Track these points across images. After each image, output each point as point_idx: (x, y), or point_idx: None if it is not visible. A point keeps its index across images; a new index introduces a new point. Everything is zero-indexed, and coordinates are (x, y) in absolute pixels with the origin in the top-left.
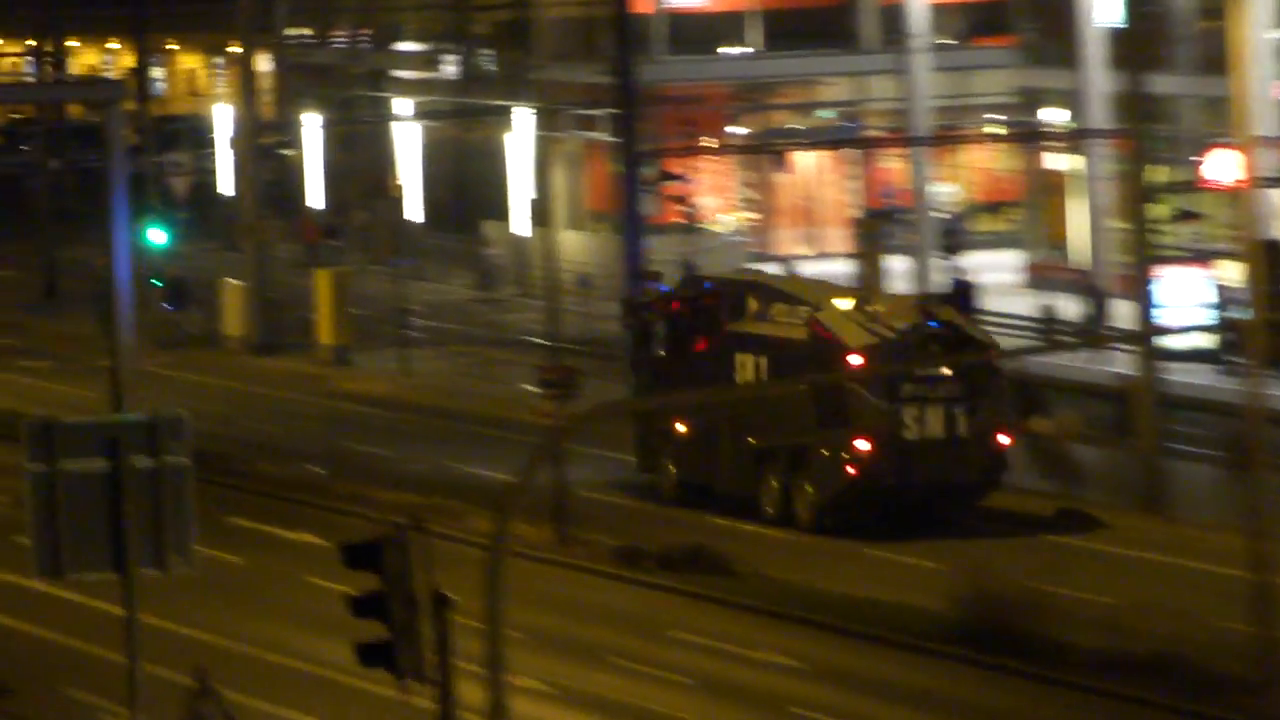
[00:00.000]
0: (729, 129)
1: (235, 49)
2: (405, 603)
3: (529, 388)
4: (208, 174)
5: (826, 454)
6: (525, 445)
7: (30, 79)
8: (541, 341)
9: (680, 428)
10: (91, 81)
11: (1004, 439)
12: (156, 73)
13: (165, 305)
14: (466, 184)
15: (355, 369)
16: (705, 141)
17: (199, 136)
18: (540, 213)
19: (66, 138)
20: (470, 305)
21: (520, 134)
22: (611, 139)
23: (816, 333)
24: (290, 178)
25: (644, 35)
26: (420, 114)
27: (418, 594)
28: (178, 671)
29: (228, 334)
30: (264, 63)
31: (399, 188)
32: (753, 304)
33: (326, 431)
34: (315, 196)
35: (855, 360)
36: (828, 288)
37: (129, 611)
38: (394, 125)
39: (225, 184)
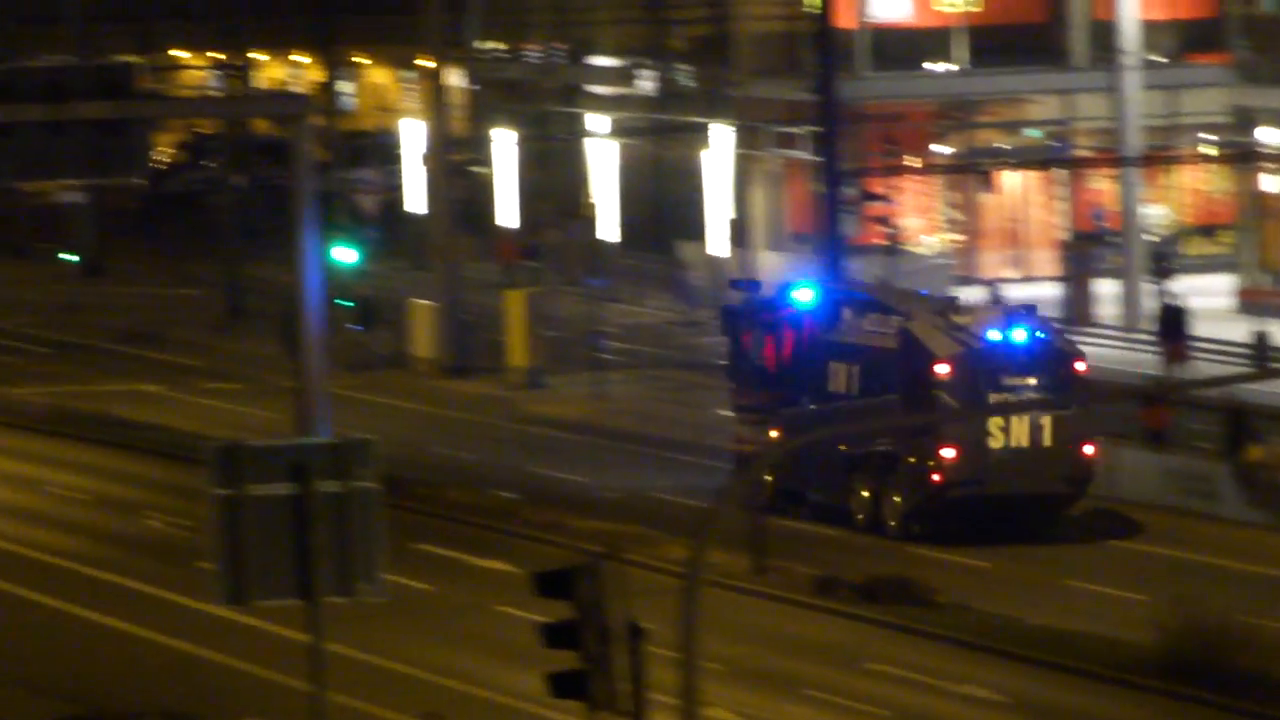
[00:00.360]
0: (933, 148)
1: (426, 63)
2: (598, 632)
3: (725, 413)
4: (397, 191)
5: (913, 462)
6: (721, 472)
7: (216, 93)
8: None
9: (774, 435)
10: (278, 96)
11: (1090, 449)
12: (345, 87)
13: (353, 326)
14: (662, 203)
15: (547, 392)
16: (908, 160)
17: (388, 152)
18: (738, 233)
19: (252, 153)
20: (666, 327)
21: (718, 152)
22: (812, 157)
23: (905, 342)
24: (481, 195)
25: (846, 51)
26: (615, 131)
27: (611, 623)
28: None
29: (417, 356)
30: (455, 77)
31: (593, 206)
32: (847, 313)
33: (517, 456)
34: (507, 215)
35: (942, 369)
36: (920, 298)
37: (315, 639)
38: (588, 142)
39: (415, 201)
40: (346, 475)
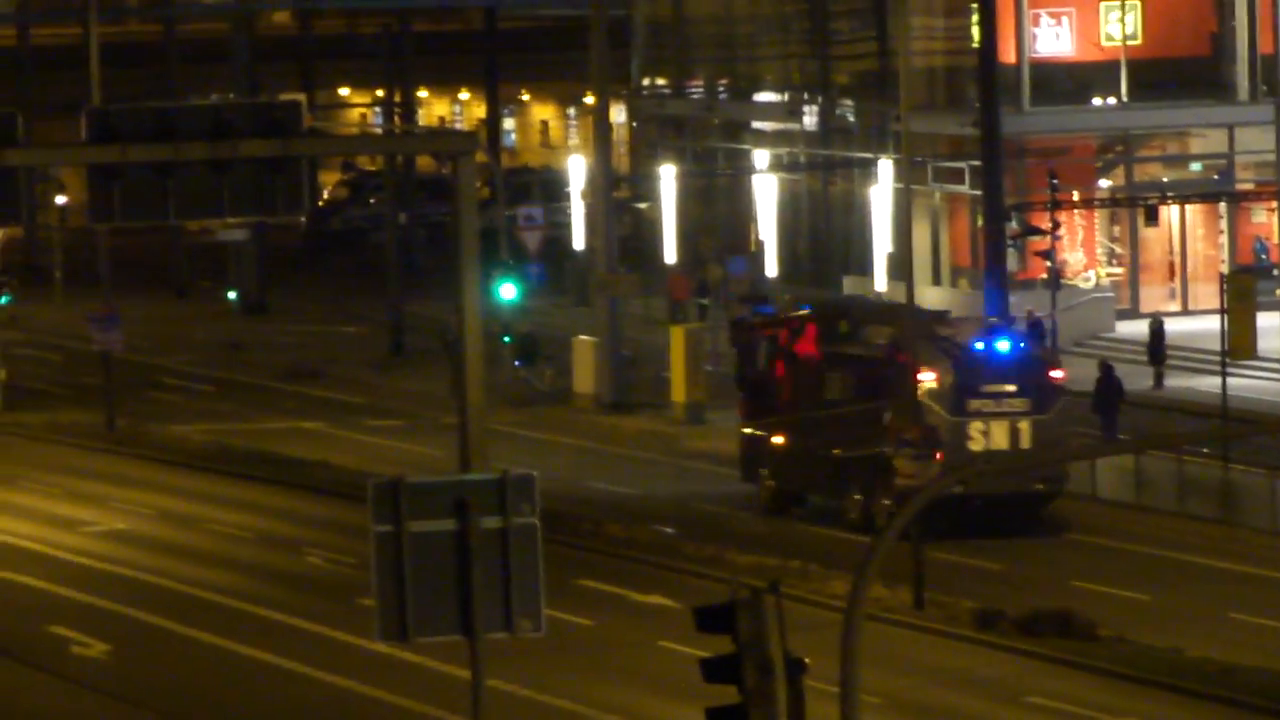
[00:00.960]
0: (1095, 182)
1: (589, 99)
2: (759, 667)
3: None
4: (560, 227)
5: (900, 464)
6: (884, 505)
7: (379, 130)
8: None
9: (777, 440)
10: (442, 133)
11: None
12: (508, 124)
13: (515, 362)
14: (825, 238)
15: (709, 428)
16: (1070, 195)
17: (551, 189)
18: (900, 267)
19: (415, 190)
20: None
21: (881, 186)
22: (975, 192)
23: (893, 352)
24: (644, 231)
25: (1009, 85)
26: (778, 166)
27: (772, 658)
28: None
29: (579, 391)
30: (619, 113)
31: (757, 242)
32: (844, 326)
33: (678, 491)
34: (670, 251)
35: (926, 377)
36: (909, 311)
37: (476, 675)
38: (751, 177)
39: (577, 237)
40: (508, 511)
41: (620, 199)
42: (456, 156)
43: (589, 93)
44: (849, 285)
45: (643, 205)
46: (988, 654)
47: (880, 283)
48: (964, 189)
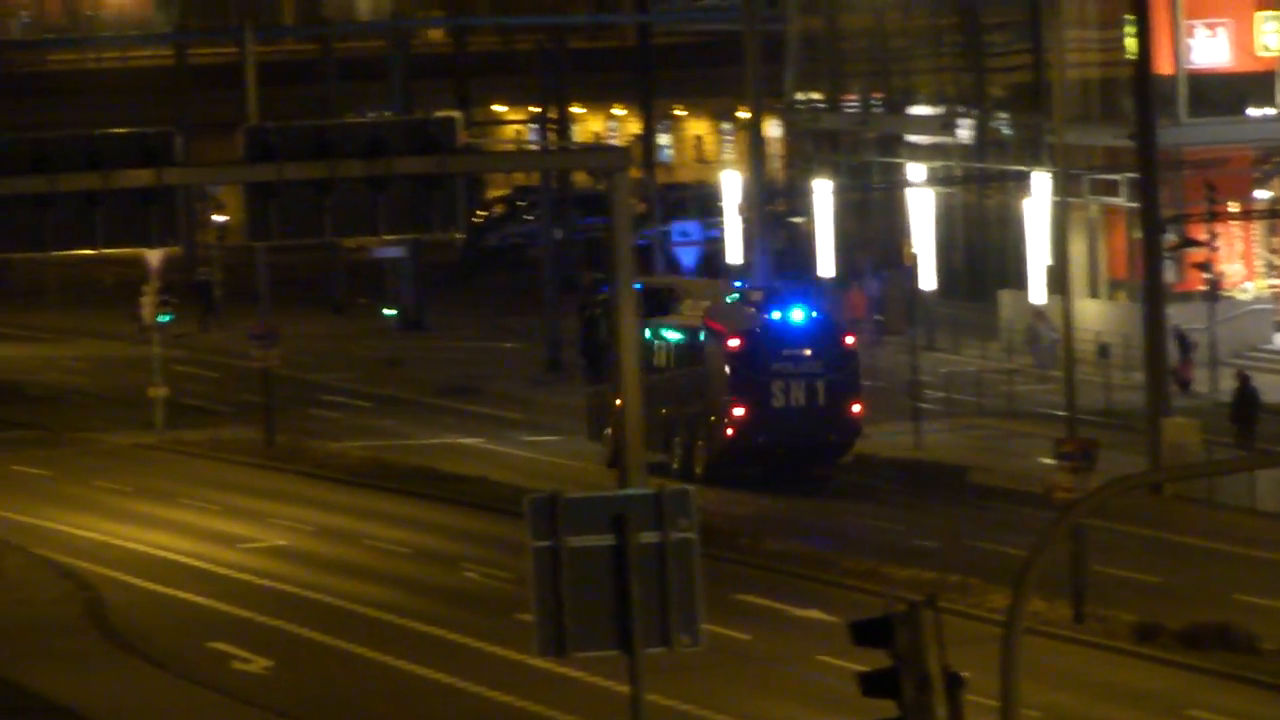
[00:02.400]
0: (1254, 193)
1: (744, 114)
2: (917, 681)
3: (1045, 460)
4: (715, 242)
5: (713, 419)
6: (1042, 519)
7: (535, 146)
8: (1058, 413)
9: (616, 402)
10: (597, 149)
11: (857, 408)
12: (663, 139)
13: None
14: (981, 251)
15: (867, 440)
16: (1228, 206)
17: (706, 204)
18: (1057, 280)
19: (570, 207)
20: (985, 376)
21: (1037, 199)
22: (1131, 204)
23: (706, 322)
24: (800, 246)
25: (1165, 97)
26: (933, 179)
27: (930, 672)
28: None
29: None
30: (773, 128)
31: (912, 255)
32: (668, 301)
33: (833, 505)
34: (826, 265)
35: (733, 343)
36: (723, 287)
37: (635, 690)
38: (906, 191)
39: (733, 252)
40: (666, 526)
41: (775, 214)
42: (611, 172)
43: (743, 108)
44: (1005, 299)
45: (798, 220)
46: (1148, 668)
47: (1037, 295)
48: (1120, 201)
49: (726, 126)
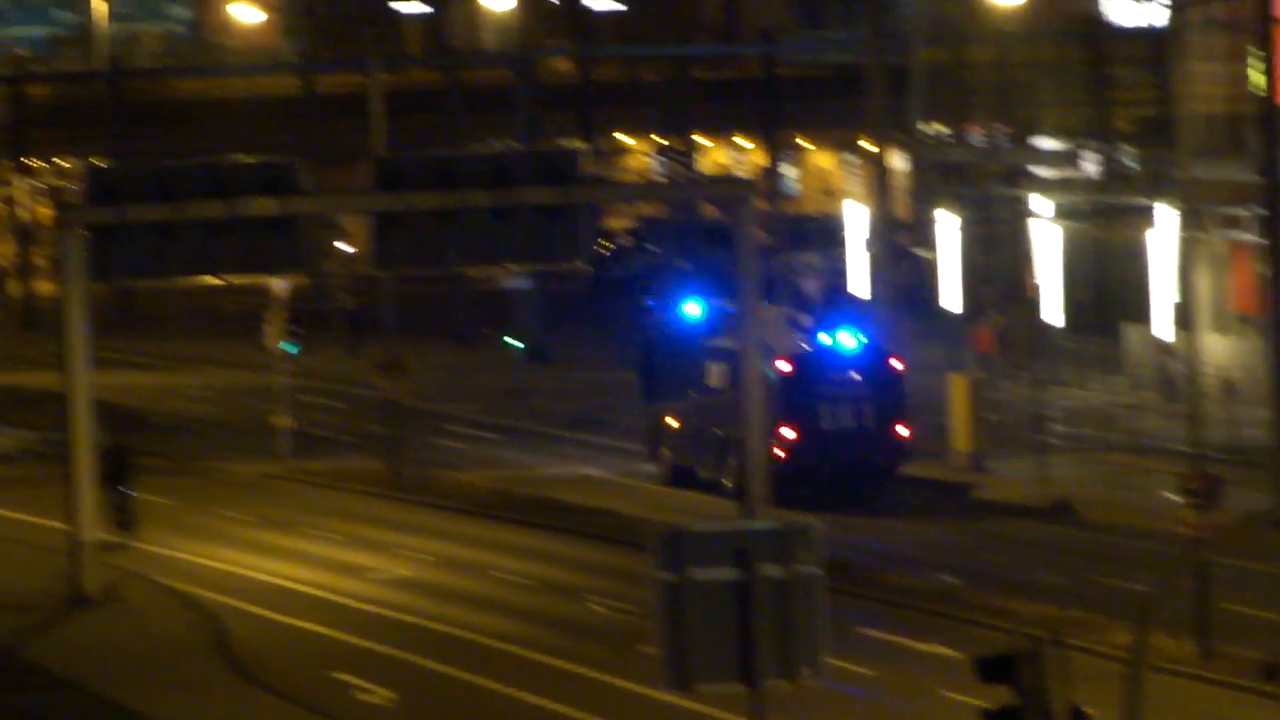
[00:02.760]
0: None
1: (869, 146)
2: (1041, 718)
3: (1170, 496)
4: (840, 274)
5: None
6: (1167, 556)
7: (660, 178)
8: (1183, 449)
9: (672, 422)
10: (721, 180)
11: (904, 430)
12: (788, 170)
13: None
14: (1106, 285)
15: (990, 476)
16: None
17: (831, 235)
18: (1183, 315)
19: (695, 237)
20: (1110, 410)
21: (1163, 234)
22: (1258, 239)
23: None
24: (924, 278)
25: None
26: (1059, 213)
27: (1055, 709)
28: None
29: None
30: (898, 160)
31: (1036, 289)
32: (722, 325)
33: (960, 540)
34: (950, 298)
35: (784, 366)
36: (774, 310)
37: None
38: (1031, 224)
39: (858, 284)
40: (790, 560)
41: (900, 246)
42: (735, 203)
43: (867, 139)
44: (1130, 333)
45: (922, 252)
46: (1276, 706)
47: (1162, 330)
48: (1246, 236)
49: (851, 158)
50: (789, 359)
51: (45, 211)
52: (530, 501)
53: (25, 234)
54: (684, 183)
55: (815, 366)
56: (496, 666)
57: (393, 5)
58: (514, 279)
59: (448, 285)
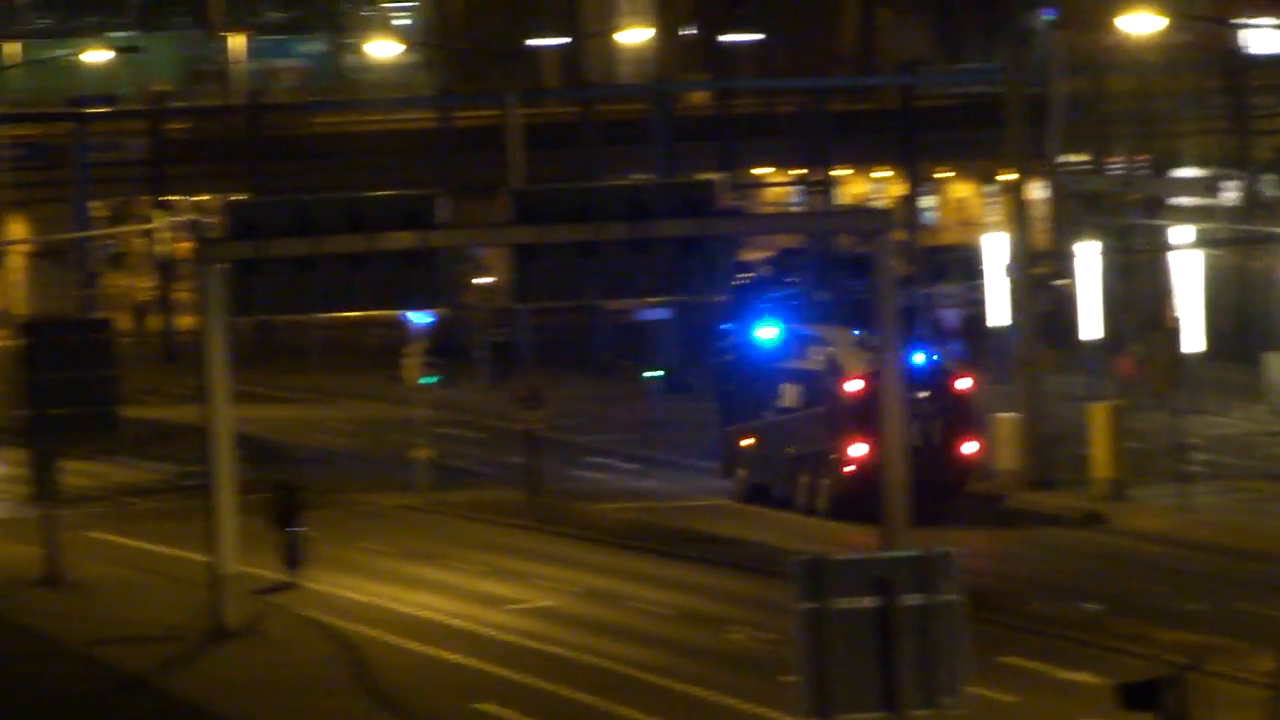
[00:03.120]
0: None
1: (1008, 176)
2: None
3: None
4: (979, 304)
5: (835, 458)
6: None
7: (798, 209)
8: None
9: (746, 442)
10: (860, 211)
11: (969, 447)
12: (926, 201)
13: None
14: (1247, 313)
15: (1131, 504)
16: None
17: (969, 266)
18: None
19: (835, 268)
20: (1251, 438)
21: None
22: None
23: (831, 366)
24: (1064, 308)
25: None
26: (1199, 242)
27: None
28: None
29: (1000, 468)
30: (1037, 190)
31: (1176, 319)
32: (795, 345)
33: (1102, 568)
34: (1090, 328)
35: (853, 385)
36: (845, 333)
37: None
38: (1171, 254)
39: (997, 315)
40: (930, 588)
41: (1040, 276)
42: (874, 234)
43: (1006, 170)
44: (1272, 361)
45: (1062, 282)
46: None
47: None
48: None
49: (990, 188)
50: (858, 377)
51: (185, 246)
52: (670, 532)
53: (165, 269)
54: (822, 214)
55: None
56: (638, 696)
57: (530, 40)
58: (654, 310)
59: (586, 317)
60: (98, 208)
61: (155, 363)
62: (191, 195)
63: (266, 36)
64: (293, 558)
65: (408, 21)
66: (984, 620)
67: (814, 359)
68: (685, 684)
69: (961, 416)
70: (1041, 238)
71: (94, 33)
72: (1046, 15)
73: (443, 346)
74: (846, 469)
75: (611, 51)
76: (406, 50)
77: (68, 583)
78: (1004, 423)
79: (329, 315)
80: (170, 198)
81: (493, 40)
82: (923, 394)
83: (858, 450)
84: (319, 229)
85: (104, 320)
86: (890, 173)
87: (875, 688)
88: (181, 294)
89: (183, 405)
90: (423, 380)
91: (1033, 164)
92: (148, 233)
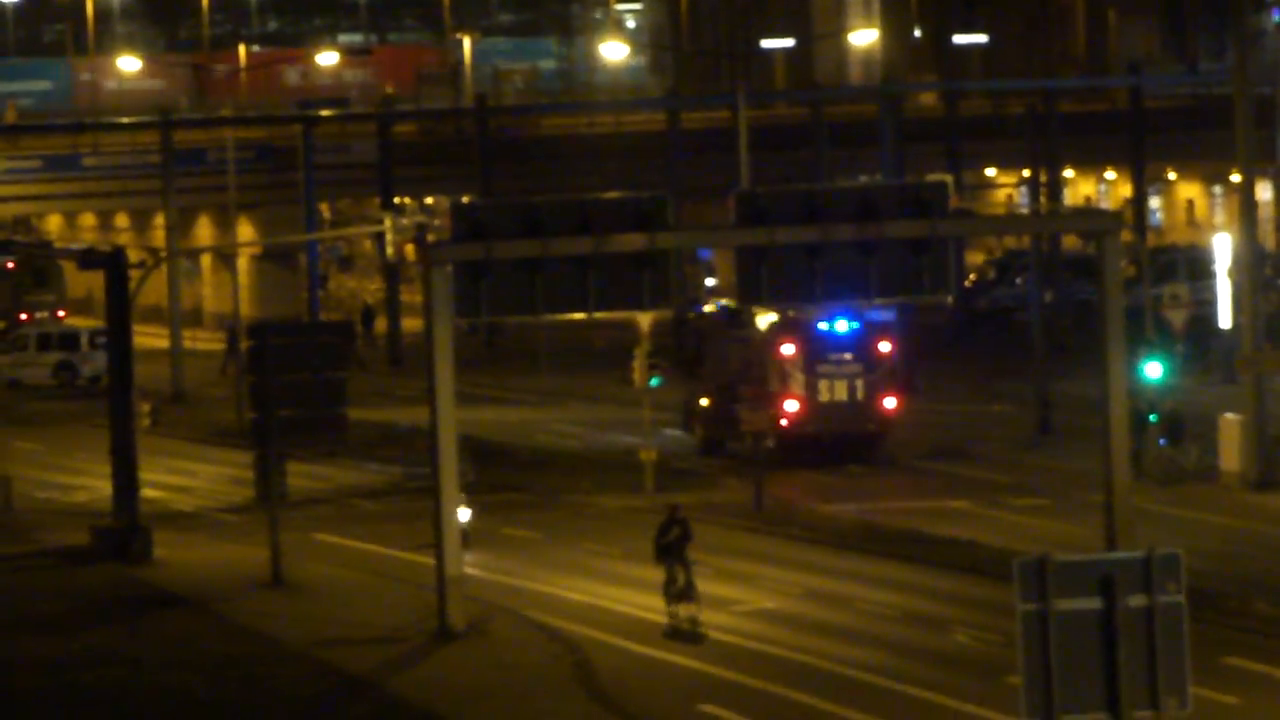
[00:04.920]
0: None
1: (1235, 177)
2: None
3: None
4: (1206, 305)
5: (772, 413)
6: None
7: (1025, 210)
8: None
9: (704, 401)
10: (1087, 212)
11: (890, 402)
12: (1154, 202)
13: (1161, 440)
14: None
15: None
16: None
17: (1197, 267)
18: None
19: (1061, 270)
20: None
21: None
22: None
23: (770, 333)
24: None
25: None
26: None
27: None
28: None
29: (1225, 469)
30: (1265, 191)
31: None
32: (742, 319)
33: None
34: None
35: (787, 349)
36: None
37: None
38: None
39: (1223, 316)
40: (1154, 590)
41: (1267, 277)
42: (1101, 235)
43: (1235, 171)
44: None
45: None
46: None
47: None
48: None
49: (1217, 189)
50: (791, 340)
51: (412, 248)
52: (894, 533)
53: (393, 271)
54: (1050, 215)
55: (813, 347)
56: (863, 698)
57: (759, 42)
58: (879, 311)
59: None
60: (325, 211)
61: (383, 366)
62: (419, 197)
63: (496, 38)
64: (683, 592)
65: (636, 24)
66: (1207, 620)
67: (752, 328)
68: (910, 686)
69: (883, 375)
70: (1270, 239)
71: (324, 35)
72: (1276, 16)
73: (670, 349)
74: (782, 422)
75: (840, 53)
76: (635, 52)
77: (293, 585)
78: (1229, 424)
79: (556, 317)
80: (398, 200)
81: (722, 42)
82: (846, 355)
83: (791, 406)
84: (547, 231)
85: (345, 323)
86: (1118, 173)
87: (1099, 690)
88: (409, 296)
89: (410, 407)
90: (650, 382)
91: (1260, 165)
92: (376, 235)
